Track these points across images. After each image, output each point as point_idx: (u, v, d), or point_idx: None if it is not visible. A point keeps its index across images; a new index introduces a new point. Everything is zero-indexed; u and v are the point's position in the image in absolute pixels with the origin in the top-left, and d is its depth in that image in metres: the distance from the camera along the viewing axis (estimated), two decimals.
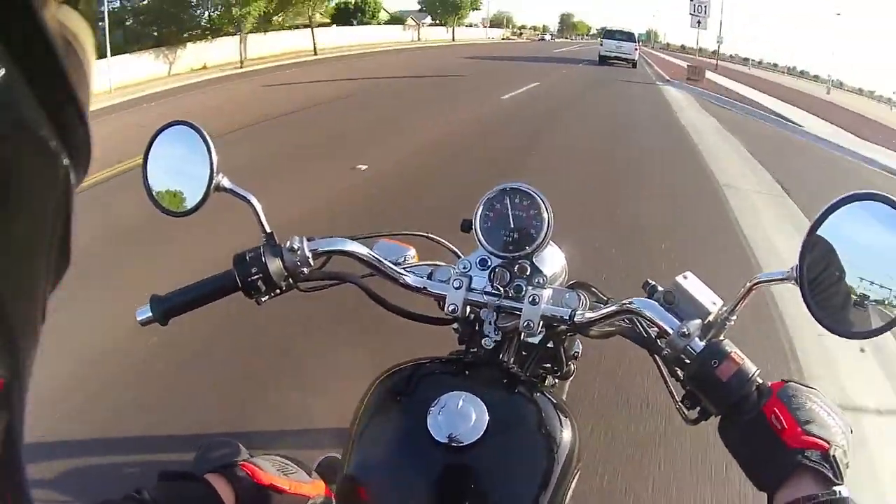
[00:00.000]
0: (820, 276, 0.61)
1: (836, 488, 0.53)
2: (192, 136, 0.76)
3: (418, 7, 49.09)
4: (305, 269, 0.78)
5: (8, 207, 0.17)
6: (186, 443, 1.75)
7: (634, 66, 23.80)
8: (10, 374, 0.19)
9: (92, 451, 1.84)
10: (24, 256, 0.18)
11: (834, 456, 0.54)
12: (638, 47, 25.15)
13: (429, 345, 0.88)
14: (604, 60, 24.34)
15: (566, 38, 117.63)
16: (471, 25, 59.50)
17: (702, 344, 0.63)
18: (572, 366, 0.92)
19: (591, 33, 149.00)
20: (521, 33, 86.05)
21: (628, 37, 24.91)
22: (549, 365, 0.90)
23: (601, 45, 25.66)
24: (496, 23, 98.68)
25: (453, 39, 45.16)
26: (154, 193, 0.78)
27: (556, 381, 0.99)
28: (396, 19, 43.24)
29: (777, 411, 0.58)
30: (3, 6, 0.16)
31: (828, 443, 0.55)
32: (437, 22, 48.06)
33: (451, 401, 0.65)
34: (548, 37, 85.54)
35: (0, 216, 0.17)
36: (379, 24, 37.11)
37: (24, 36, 0.16)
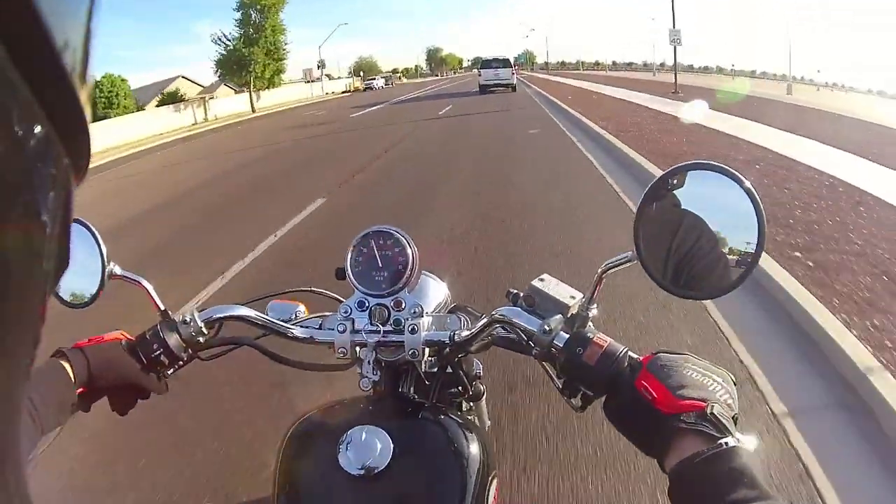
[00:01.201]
0: (658, 251, 0.65)
1: (722, 440, 0.54)
2: (81, 231, 0.81)
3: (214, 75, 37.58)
4: (201, 339, 0.81)
5: (6, 208, 0.17)
6: None
7: (514, 89, 25.40)
8: (9, 374, 0.19)
9: None
10: (23, 256, 0.18)
11: (712, 413, 0.56)
12: (514, 72, 26.88)
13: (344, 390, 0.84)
14: (484, 89, 25.74)
15: (438, 74, 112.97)
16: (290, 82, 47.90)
17: (566, 336, 0.69)
18: (480, 386, 0.97)
19: (463, 66, 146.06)
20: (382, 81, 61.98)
21: (504, 63, 26.41)
22: (457, 389, 0.94)
23: (479, 75, 27.11)
24: (362, 69, 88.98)
25: (253, 110, 33.63)
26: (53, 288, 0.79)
27: (471, 404, 1.03)
28: (171, 98, 34.42)
29: (646, 384, 0.60)
30: (3, 6, 0.16)
31: (704, 401, 0.57)
32: (238, 87, 37.04)
33: (356, 434, 0.70)
34: (378, 83, 56.38)
35: None
36: (135, 111, 29.76)
37: (24, 36, 0.16)
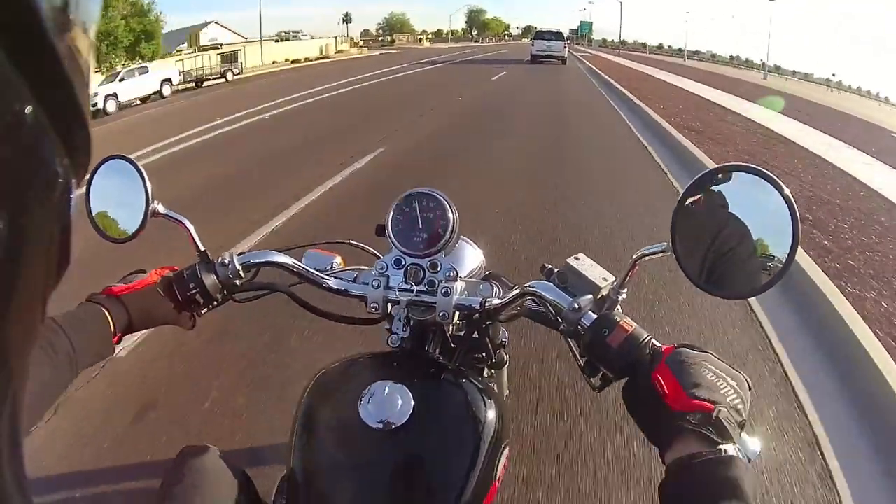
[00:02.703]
0: (694, 245, 0.66)
1: (722, 447, 0.56)
2: (128, 169, 0.84)
3: None
4: (237, 282, 0.85)
5: (7, 207, 0.17)
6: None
7: (564, 62, 26.02)
8: (9, 374, 0.19)
9: None
10: (24, 256, 0.19)
11: (718, 416, 0.57)
12: (567, 45, 28.21)
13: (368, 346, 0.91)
14: (535, 59, 26.90)
15: (479, 41, 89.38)
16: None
17: (594, 316, 0.71)
18: (503, 354, 1.00)
19: (512, 33, 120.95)
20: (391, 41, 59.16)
21: (557, 36, 28.13)
22: (481, 355, 0.97)
23: (532, 45, 28.65)
24: (392, 28, 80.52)
25: None
26: (97, 222, 0.85)
27: (493, 371, 1.07)
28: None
29: (661, 378, 0.61)
30: (3, 6, 0.16)
31: (713, 404, 0.58)
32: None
33: (379, 389, 0.72)
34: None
35: None
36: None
37: (23, 35, 0.17)
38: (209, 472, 0.75)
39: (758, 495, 0.54)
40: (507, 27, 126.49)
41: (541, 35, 28.79)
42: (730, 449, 0.56)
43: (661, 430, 0.61)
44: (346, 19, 49.10)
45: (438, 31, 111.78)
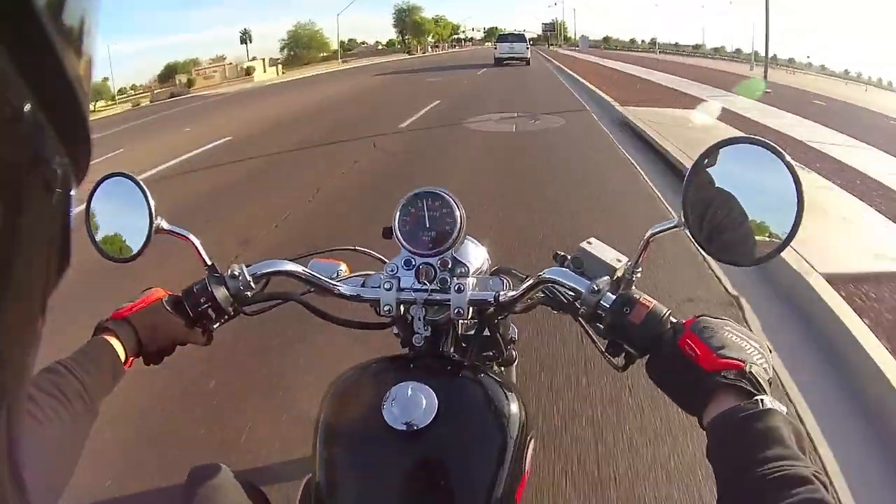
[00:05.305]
0: (704, 218, 0.69)
1: (758, 398, 0.57)
2: (129, 186, 0.82)
3: None
4: (249, 293, 0.84)
5: (6, 207, 0.17)
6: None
7: (528, 63, 26.75)
8: (10, 374, 0.19)
9: None
10: (24, 257, 0.19)
11: (751, 372, 0.60)
12: (529, 46, 29.33)
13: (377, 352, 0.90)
14: (499, 62, 27.58)
15: (410, 52, 65.59)
16: None
17: (613, 297, 0.72)
18: (513, 351, 1.01)
19: (469, 38, 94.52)
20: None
21: (519, 38, 29.45)
22: (491, 353, 0.98)
23: (496, 48, 29.25)
24: (299, 45, 55.52)
25: None
26: (98, 242, 0.83)
27: (503, 368, 1.08)
28: None
29: (690, 342, 0.64)
30: (3, 6, 0.16)
31: (743, 361, 0.61)
32: None
33: (401, 391, 0.73)
34: None
35: None
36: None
37: (24, 35, 0.17)
38: (223, 490, 0.74)
39: (804, 448, 0.55)
40: (455, 28, 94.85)
41: (503, 38, 29.95)
42: (767, 401, 0.57)
43: (696, 393, 0.62)
44: (245, 38, 42.50)
45: (355, 41, 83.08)
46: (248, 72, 40.05)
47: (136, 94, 36.73)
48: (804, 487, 0.49)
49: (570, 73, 18.88)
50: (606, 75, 17.73)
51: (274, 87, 24.63)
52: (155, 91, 35.68)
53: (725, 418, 0.57)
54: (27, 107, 0.17)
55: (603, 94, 11.66)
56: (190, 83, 37.53)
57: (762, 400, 0.57)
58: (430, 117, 9.99)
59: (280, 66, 46.70)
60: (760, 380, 0.60)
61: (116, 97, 33.17)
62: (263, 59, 46.30)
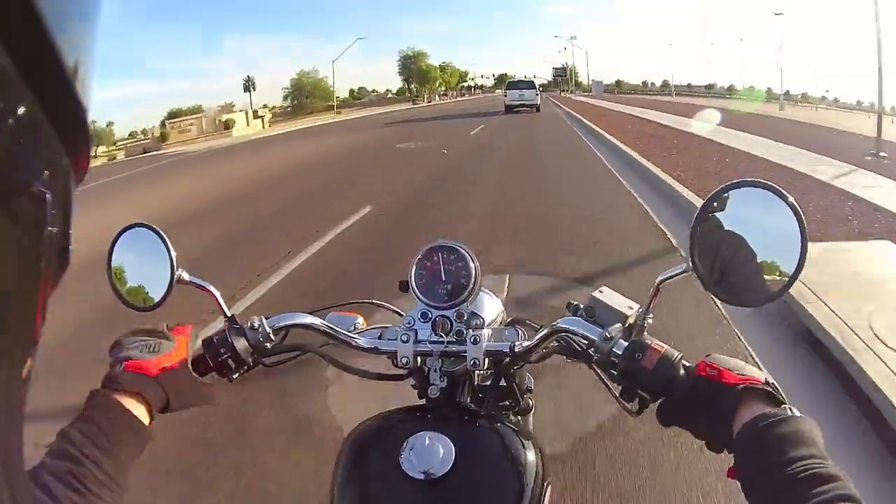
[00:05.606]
0: (714, 262, 0.70)
1: (786, 406, 0.60)
2: (151, 236, 0.84)
3: None
4: (268, 344, 0.85)
5: (7, 207, 0.17)
6: None
7: (538, 109, 27.31)
8: (10, 374, 0.19)
9: None
10: (24, 257, 0.19)
11: (772, 384, 0.63)
12: (539, 93, 29.99)
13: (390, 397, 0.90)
14: (510, 109, 28.28)
15: (416, 101, 63.23)
16: None
17: (625, 343, 0.74)
18: (529, 400, 1.01)
19: (478, 84, 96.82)
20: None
21: (529, 85, 30.00)
22: (507, 402, 0.99)
23: (506, 95, 29.82)
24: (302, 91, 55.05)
25: None
26: (120, 291, 0.85)
27: (519, 417, 1.08)
28: None
29: (709, 366, 0.67)
30: (4, 6, 0.16)
31: (761, 379, 0.64)
32: None
33: (419, 441, 0.74)
34: None
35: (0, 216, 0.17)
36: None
37: (24, 35, 0.17)
38: None
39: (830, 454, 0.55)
40: (464, 76, 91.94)
41: (513, 85, 30.29)
42: (794, 410, 0.59)
43: (721, 409, 0.63)
44: (249, 86, 41.42)
45: (365, 90, 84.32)
46: (227, 125, 37.70)
47: (134, 142, 36.51)
48: (835, 483, 0.50)
49: (593, 127, 15.40)
50: (644, 131, 13.82)
51: (243, 147, 22.52)
52: (129, 146, 34.63)
53: (756, 422, 0.58)
54: (26, 106, 0.18)
55: (672, 183, 6.71)
56: (163, 137, 35.24)
57: (790, 408, 0.59)
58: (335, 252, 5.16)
59: (267, 118, 44.87)
60: (779, 395, 0.62)
61: (117, 143, 32.90)
62: (255, 110, 45.20)
